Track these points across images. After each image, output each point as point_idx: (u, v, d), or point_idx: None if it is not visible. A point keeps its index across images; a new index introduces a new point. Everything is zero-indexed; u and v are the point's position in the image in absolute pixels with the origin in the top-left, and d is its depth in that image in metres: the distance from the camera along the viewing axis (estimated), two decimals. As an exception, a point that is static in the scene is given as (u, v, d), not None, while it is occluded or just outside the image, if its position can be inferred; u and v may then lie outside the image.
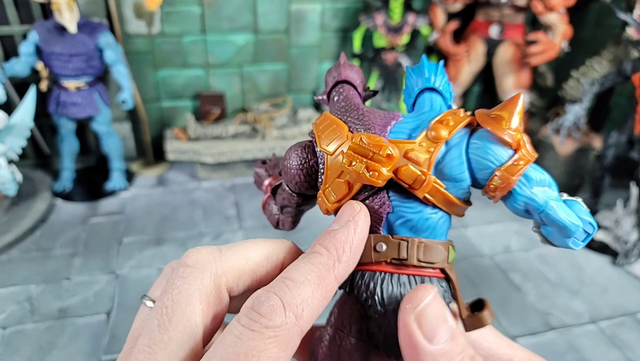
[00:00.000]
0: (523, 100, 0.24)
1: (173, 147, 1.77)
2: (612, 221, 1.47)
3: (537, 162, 0.23)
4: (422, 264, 0.24)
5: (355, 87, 0.30)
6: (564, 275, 1.35)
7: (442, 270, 0.25)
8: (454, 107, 0.27)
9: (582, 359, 1.07)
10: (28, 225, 1.45)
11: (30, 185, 1.66)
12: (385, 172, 0.23)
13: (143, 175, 1.83)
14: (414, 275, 0.24)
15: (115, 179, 1.70)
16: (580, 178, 1.68)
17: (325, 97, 0.30)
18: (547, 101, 1.89)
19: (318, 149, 0.26)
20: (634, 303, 1.25)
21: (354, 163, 0.23)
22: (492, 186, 0.23)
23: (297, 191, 0.29)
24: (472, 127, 0.24)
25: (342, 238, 0.23)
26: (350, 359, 0.25)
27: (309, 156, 0.27)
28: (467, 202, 0.25)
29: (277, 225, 0.32)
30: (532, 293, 1.27)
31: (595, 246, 1.46)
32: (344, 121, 0.26)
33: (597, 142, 1.64)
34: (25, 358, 1.02)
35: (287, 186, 0.29)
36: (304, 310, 0.20)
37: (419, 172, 0.23)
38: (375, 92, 0.31)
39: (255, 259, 0.25)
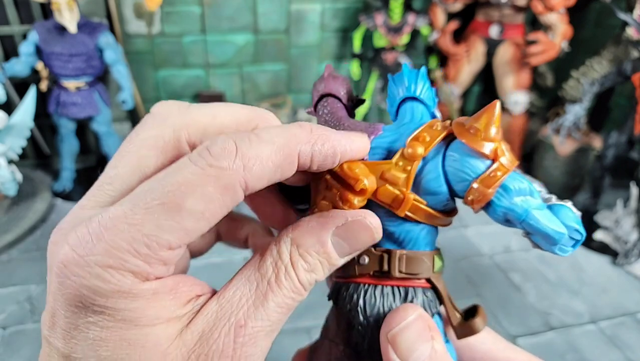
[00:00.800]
0: (499, 108, 0.23)
1: (173, 147, 1.76)
2: (612, 221, 1.47)
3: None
4: (404, 275, 0.24)
5: (340, 100, 0.30)
6: (564, 275, 1.35)
7: (428, 280, 0.25)
8: (438, 114, 0.27)
9: (582, 359, 1.07)
10: (28, 225, 1.45)
11: (30, 185, 1.66)
12: (357, 203, 0.23)
13: (143, 175, 1.83)
14: (397, 286, 0.25)
15: (115, 179, 1.70)
16: (580, 178, 1.68)
17: (312, 110, 0.31)
18: (547, 101, 1.89)
19: None
20: (634, 303, 1.25)
21: (329, 188, 0.23)
22: (470, 198, 0.23)
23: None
24: (450, 137, 0.24)
25: (335, 137, 0.22)
26: None
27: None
28: (451, 212, 0.25)
29: None
30: (532, 293, 1.27)
31: (595, 246, 1.46)
32: None
33: (597, 142, 1.64)
34: (25, 358, 1.02)
35: None
36: (255, 165, 0.19)
37: (398, 192, 0.23)
38: (362, 101, 0.31)
39: (224, 119, 0.23)
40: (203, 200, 0.18)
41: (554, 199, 0.23)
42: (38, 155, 1.84)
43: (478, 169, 0.22)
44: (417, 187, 0.24)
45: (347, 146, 0.23)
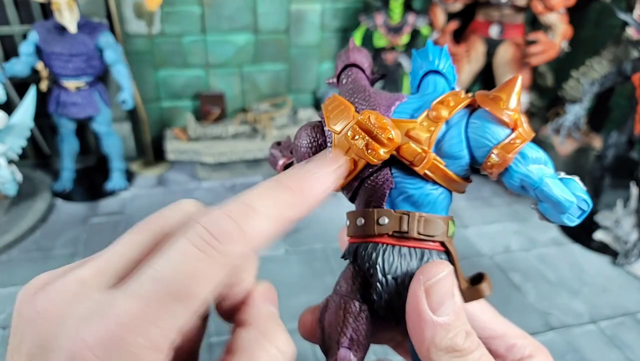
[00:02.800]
0: (521, 81, 0.25)
1: (173, 147, 1.77)
2: (612, 221, 1.47)
3: None
4: (422, 237, 0.25)
5: (363, 71, 0.31)
6: (564, 275, 1.35)
7: (442, 243, 0.26)
8: (457, 89, 0.28)
9: (582, 359, 1.07)
10: (28, 225, 1.45)
11: (30, 185, 1.66)
12: (382, 153, 0.24)
13: (143, 175, 1.83)
14: (414, 247, 0.26)
15: (115, 179, 1.70)
16: (580, 178, 1.68)
17: (335, 80, 0.32)
18: (547, 101, 1.89)
19: (326, 129, 0.28)
20: (634, 303, 1.25)
21: (356, 137, 0.24)
22: (489, 163, 0.24)
23: None
24: (472, 108, 0.26)
25: (315, 187, 0.23)
26: (356, 321, 0.26)
27: (318, 135, 0.28)
28: (467, 179, 0.26)
29: None
30: (532, 293, 1.27)
31: (595, 246, 1.46)
32: (351, 102, 0.28)
33: (597, 142, 1.64)
34: (25, 358, 1.02)
35: (298, 163, 0.30)
36: (256, 241, 0.20)
37: (420, 150, 0.24)
38: (383, 75, 0.32)
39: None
40: (212, 285, 0.19)
41: (562, 174, 0.25)
42: (38, 155, 1.84)
43: (499, 136, 0.24)
44: (439, 150, 0.25)
45: (323, 187, 0.23)
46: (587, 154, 1.66)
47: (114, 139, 1.68)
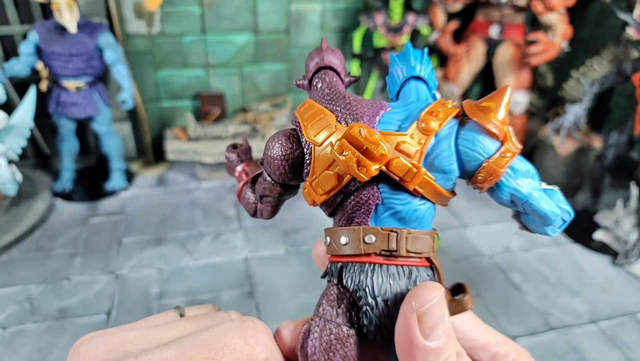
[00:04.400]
0: (510, 92, 0.24)
1: (173, 147, 1.77)
2: (612, 221, 1.47)
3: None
4: (411, 254, 0.25)
5: (338, 74, 0.29)
6: (564, 275, 1.35)
7: (428, 258, 0.25)
8: (438, 95, 0.27)
9: (582, 359, 1.07)
10: (28, 225, 1.45)
11: (30, 185, 1.66)
12: (374, 170, 0.23)
13: (143, 175, 1.83)
14: (402, 265, 0.25)
15: (115, 179, 1.70)
16: (580, 178, 1.68)
17: (306, 82, 0.30)
18: (547, 101, 1.89)
19: (304, 139, 0.26)
20: (634, 303, 1.25)
21: (345, 153, 0.23)
22: (480, 177, 0.24)
23: (280, 182, 0.28)
24: (460, 118, 0.25)
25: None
26: (344, 347, 0.25)
27: (294, 146, 0.26)
28: (453, 192, 0.26)
29: (254, 214, 0.32)
30: (532, 293, 1.27)
31: (595, 246, 1.46)
32: (330, 110, 0.26)
33: (597, 142, 1.64)
34: (25, 358, 1.02)
35: (269, 176, 0.28)
36: None
37: (410, 165, 0.23)
38: (357, 79, 0.31)
39: None
40: None
41: (544, 184, 0.24)
42: (38, 155, 1.84)
43: (489, 150, 0.23)
44: (429, 165, 0.24)
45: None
46: (587, 154, 1.66)
47: (114, 139, 1.68)
